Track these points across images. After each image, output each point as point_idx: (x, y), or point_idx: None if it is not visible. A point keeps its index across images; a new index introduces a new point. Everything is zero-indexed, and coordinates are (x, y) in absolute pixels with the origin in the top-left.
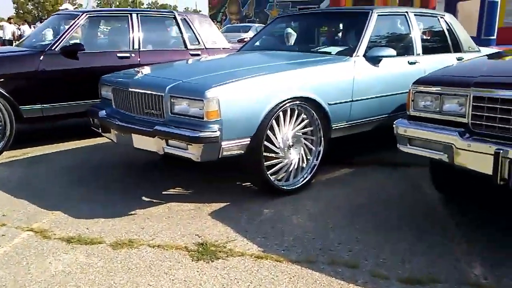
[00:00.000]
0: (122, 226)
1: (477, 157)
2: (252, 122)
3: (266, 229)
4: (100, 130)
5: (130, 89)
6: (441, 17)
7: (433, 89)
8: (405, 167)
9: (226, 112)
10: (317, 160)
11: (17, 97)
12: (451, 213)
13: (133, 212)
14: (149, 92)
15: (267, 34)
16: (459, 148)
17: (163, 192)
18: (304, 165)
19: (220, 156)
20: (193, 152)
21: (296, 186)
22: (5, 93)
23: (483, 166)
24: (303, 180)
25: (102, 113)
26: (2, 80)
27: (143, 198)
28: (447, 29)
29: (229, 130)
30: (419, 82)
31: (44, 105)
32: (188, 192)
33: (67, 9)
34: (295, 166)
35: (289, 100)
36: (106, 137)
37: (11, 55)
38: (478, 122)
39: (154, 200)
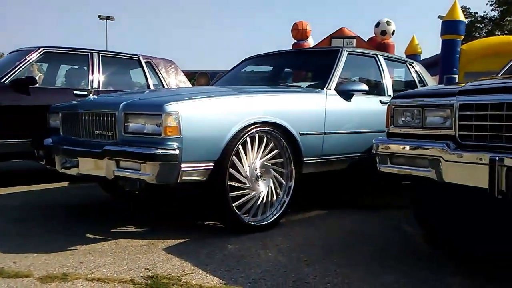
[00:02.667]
0: (57, 260)
1: (469, 170)
2: (216, 145)
3: (230, 263)
4: (44, 162)
5: (79, 111)
6: (409, 64)
7: (414, 102)
8: (384, 209)
9: (187, 130)
10: (287, 196)
11: None
12: (437, 249)
13: (72, 248)
14: (100, 111)
15: (235, 74)
16: (448, 161)
17: (112, 230)
18: (274, 200)
19: (179, 180)
20: (148, 173)
21: (265, 223)
22: None
23: (477, 179)
24: (272, 217)
25: (48, 141)
26: None
27: (87, 235)
28: (416, 76)
29: (190, 150)
30: (398, 96)
31: None
32: (142, 229)
33: None
34: (264, 201)
35: (257, 125)
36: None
37: None
38: (466, 132)
39: (100, 237)
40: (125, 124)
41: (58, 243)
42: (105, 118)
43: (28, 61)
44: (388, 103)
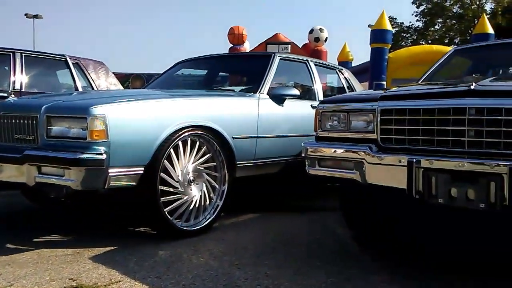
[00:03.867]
0: None
1: (389, 171)
2: (146, 149)
3: (160, 270)
4: None
5: None
6: (339, 71)
7: (340, 107)
8: (312, 211)
9: (115, 133)
10: (221, 200)
11: None
12: (365, 248)
13: None
14: (21, 114)
15: (168, 77)
16: (371, 163)
17: (34, 239)
18: (207, 204)
19: (106, 186)
20: (72, 178)
21: (198, 228)
22: None
23: (396, 180)
24: (205, 221)
25: None
26: None
27: (7, 245)
28: (345, 81)
29: (118, 155)
30: (325, 101)
31: None
32: (67, 238)
33: None
34: (197, 205)
35: (189, 129)
36: None
37: None
38: (387, 136)
39: (21, 247)
40: (48, 127)
41: None
42: (26, 121)
43: None
44: (316, 108)
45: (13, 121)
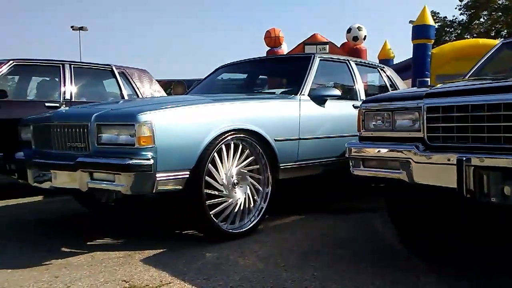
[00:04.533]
0: (31, 276)
1: (438, 170)
2: (191, 153)
3: (208, 271)
4: (16, 176)
5: (52, 123)
6: (381, 69)
7: (384, 106)
8: (357, 212)
9: (161, 139)
10: (265, 202)
11: None
12: (412, 250)
13: (47, 262)
14: (73, 123)
15: (209, 82)
16: (418, 163)
17: (88, 243)
18: (252, 206)
19: (154, 190)
20: (122, 183)
21: (243, 230)
22: None
23: (445, 179)
24: (250, 224)
25: (20, 154)
26: None
27: (62, 249)
28: (387, 80)
29: (165, 160)
30: (369, 101)
31: None
32: (119, 241)
33: None
34: (241, 208)
35: (231, 133)
36: (23, 183)
37: None
38: (434, 134)
39: (75, 250)
40: (98, 135)
41: (32, 258)
42: (78, 130)
43: None
44: (359, 107)
45: (66, 129)
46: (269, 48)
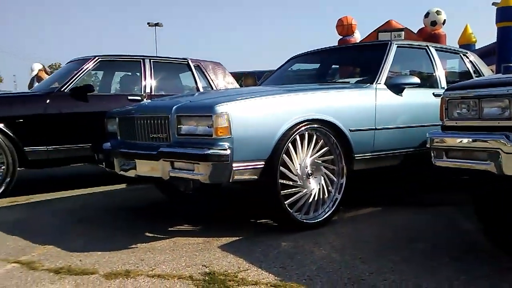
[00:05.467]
0: (119, 258)
1: None
2: (266, 144)
3: (284, 260)
4: (104, 165)
5: (135, 115)
6: (463, 54)
7: (470, 93)
8: (436, 205)
9: (237, 130)
10: (339, 193)
11: (23, 138)
12: (499, 245)
13: (133, 246)
14: (154, 115)
15: (282, 73)
16: (508, 153)
17: (169, 228)
18: (326, 197)
19: (231, 179)
20: (201, 172)
21: (317, 221)
22: (11, 134)
23: None
24: (324, 215)
25: (107, 145)
26: (8, 121)
27: (146, 233)
28: (471, 66)
29: (241, 150)
30: (452, 88)
31: (49, 147)
32: (197, 228)
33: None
34: (316, 198)
35: (306, 123)
36: (110, 171)
37: (19, 96)
38: None
39: (158, 235)
40: (178, 126)
41: (119, 241)
42: (159, 121)
43: (85, 69)
44: (442, 95)
45: (148, 121)
46: (341, 37)
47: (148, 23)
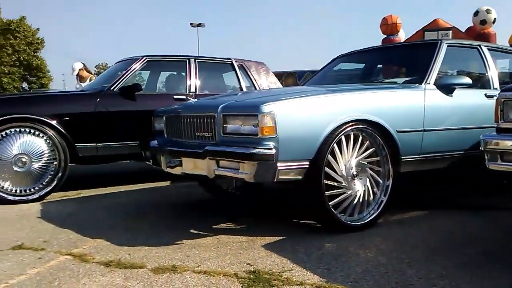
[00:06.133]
0: (166, 253)
1: None
2: (311, 144)
3: (328, 262)
4: (151, 162)
5: (182, 114)
6: None
7: None
8: (489, 210)
9: (282, 129)
10: (385, 195)
11: (74, 135)
12: None
13: (179, 242)
14: (200, 114)
15: (326, 72)
16: None
17: (213, 226)
18: (371, 199)
19: (275, 179)
20: (246, 171)
21: (362, 223)
22: (63, 131)
23: None
24: (369, 217)
25: (154, 143)
26: (61, 119)
27: (191, 230)
28: None
29: (286, 150)
30: (509, 89)
31: (99, 144)
32: (240, 226)
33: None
34: (360, 200)
35: (352, 123)
36: (156, 168)
37: (71, 95)
38: None
39: (203, 232)
40: (224, 125)
41: (165, 237)
42: (205, 120)
43: (134, 69)
44: (497, 97)
45: (194, 120)
46: (384, 36)
47: (190, 24)
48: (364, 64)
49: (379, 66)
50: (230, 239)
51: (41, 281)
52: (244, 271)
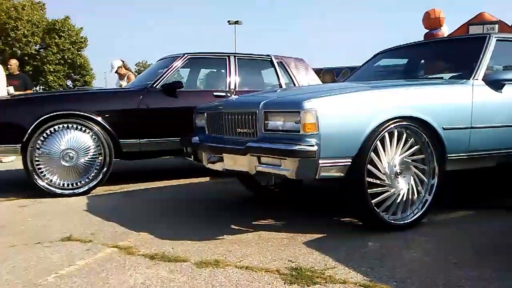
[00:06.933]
0: (208, 248)
1: None
2: (354, 141)
3: (371, 261)
4: (192, 158)
5: (223, 111)
6: None
7: None
8: None
9: (324, 126)
10: (429, 194)
11: (118, 131)
12: None
13: (220, 237)
14: (242, 110)
15: (368, 68)
16: None
17: (253, 222)
18: (415, 198)
19: (317, 176)
20: (288, 168)
21: (405, 222)
22: (108, 127)
23: None
24: (413, 216)
25: (195, 139)
26: (106, 115)
27: (232, 226)
28: None
29: (328, 147)
30: None
31: (142, 140)
32: (281, 223)
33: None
34: (404, 198)
35: (396, 120)
36: (197, 164)
37: (115, 92)
38: None
39: (243, 228)
40: (265, 122)
41: (207, 232)
42: (246, 117)
43: (175, 67)
44: None
45: (236, 116)
46: (427, 30)
47: (228, 21)
48: (407, 60)
49: (423, 61)
50: (270, 235)
51: (90, 272)
52: (286, 267)
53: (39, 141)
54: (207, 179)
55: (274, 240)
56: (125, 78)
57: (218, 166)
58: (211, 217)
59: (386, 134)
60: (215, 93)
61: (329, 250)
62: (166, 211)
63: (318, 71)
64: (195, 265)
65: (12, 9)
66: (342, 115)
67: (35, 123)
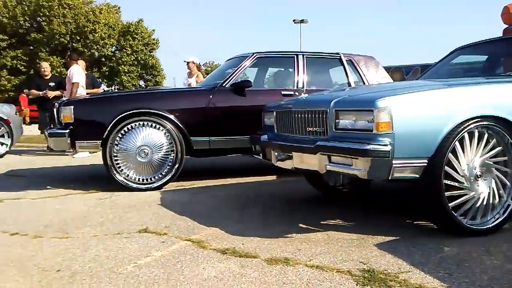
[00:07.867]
0: (277, 245)
1: None
2: (430, 141)
3: (448, 266)
4: (261, 156)
5: (292, 109)
6: None
7: None
8: None
9: (398, 125)
10: None
11: (189, 129)
12: None
13: (289, 235)
14: (312, 109)
15: (444, 65)
16: None
17: (322, 222)
18: (496, 202)
19: (390, 177)
20: (360, 168)
21: (485, 227)
22: (180, 125)
23: None
24: (494, 221)
25: (264, 137)
26: (178, 113)
27: (300, 224)
28: None
29: (402, 147)
30: None
31: (211, 138)
32: (350, 223)
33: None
34: (484, 203)
35: (476, 120)
36: (266, 162)
37: (186, 91)
38: None
39: (312, 227)
40: (336, 120)
41: (276, 230)
42: (317, 115)
43: (244, 66)
44: None
45: (305, 115)
46: (506, 26)
47: (293, 20)
48: (486, 56)
49: (503, 58)
50: (340, 236)
51: (166, 263)
52: (357, 269)
53: (117, 138)
54: (273, 177)
55: (343, 241)
56: (194, 76)
57: (287, 165)
58: (279, 215)
59: (466, 134)
60: (283, 92)
61: (402, 254)
62: (235, 207)
63: (387, 70)
64: (265, 262)
65: (91, 12)
66: (418, 114)
67: (114, 121)
